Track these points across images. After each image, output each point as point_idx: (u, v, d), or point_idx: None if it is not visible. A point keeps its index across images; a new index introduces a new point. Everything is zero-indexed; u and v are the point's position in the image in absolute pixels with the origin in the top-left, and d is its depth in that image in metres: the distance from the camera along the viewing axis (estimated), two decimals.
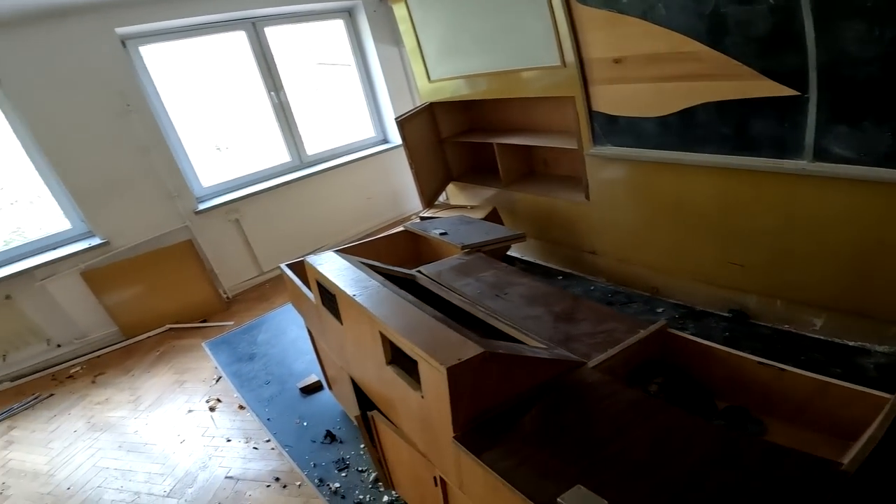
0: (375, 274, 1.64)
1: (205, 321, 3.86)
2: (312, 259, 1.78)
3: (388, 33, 4.62)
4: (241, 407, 2.80)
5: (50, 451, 2.74)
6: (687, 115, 2.14)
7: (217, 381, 3.09)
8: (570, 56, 2.48)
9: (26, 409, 3.19)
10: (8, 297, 3.39)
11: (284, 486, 2.21)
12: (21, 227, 3.71)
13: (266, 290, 4.25)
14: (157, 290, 3.81)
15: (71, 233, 3.71)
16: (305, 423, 2.55)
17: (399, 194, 5.01)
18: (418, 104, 4.62)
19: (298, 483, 2.21)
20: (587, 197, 2.83)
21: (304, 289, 2.06)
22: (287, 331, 3.46)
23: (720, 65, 1.91)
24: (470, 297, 1.80)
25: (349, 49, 4.72)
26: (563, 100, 2.74)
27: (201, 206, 3.98)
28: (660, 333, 1.56)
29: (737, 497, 0.96)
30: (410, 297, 1.45)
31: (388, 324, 1.28)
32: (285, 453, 2.39)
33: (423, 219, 3.23)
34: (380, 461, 1.82)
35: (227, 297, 4.16)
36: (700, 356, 1.50)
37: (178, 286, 3.88)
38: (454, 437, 1.17)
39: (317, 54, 4.79)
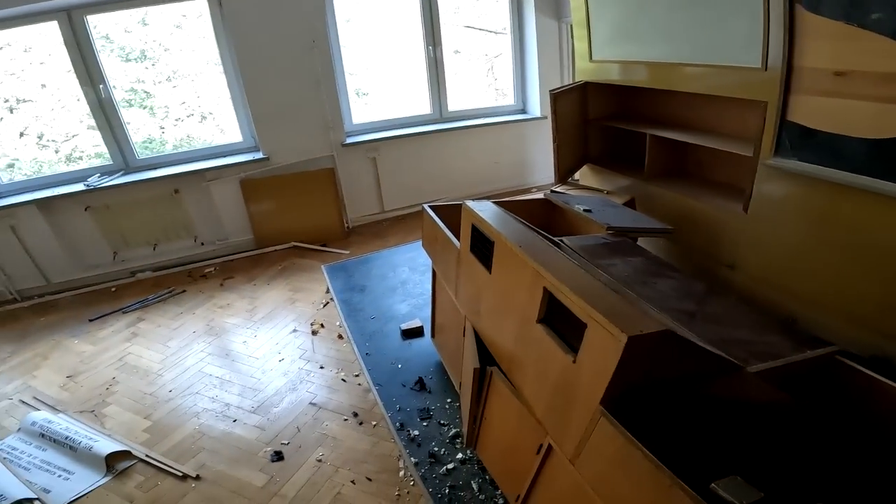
0: (535, 232, 1.64)
1: (324, 245, 4.12)
2: (472, 204, 1.80)
3: (552, 5, 4.50)
4: (340, 337, 2.90)
5: (167, 350, 2.90)
6: None
7: (324, 305, 3.24)
8: (775, 60, 2.25)
9: (159, 301, 3.48)
10: (176, 191, 3.84)
11: (360, 423, 2.23)
12: (191, 135, 4.21)
13: (383, 228, 4.44)
14: (293, 208, 4.13)
15: (241, 145, 4.12)
16: (400, 366, 2.56)
17: (525, 165, 4.98)
18: (567, 81, 4.51)
19: (374, 423, 2.23)
20: (745, 209, 2.61)
21: (447, 231, 2.10)
22: (398, 271, 3.56)
23: None
24: (616, 277, 1.76)
25: (507, 15, 4.66)
26: (746, 103, 2.51)
27: (348, 140, 4.23)
28: (826, 358, 1.43)
29: None
30: (578, 260, 1.44)
31: (560, 281, 1.27)
32: (374, 391, 2.40)
33: (554, 192, 3.18)
34: (475, 418, 1.79)
35: (348, 228, 4.42)
36: (866, 388, 1.35)
37: (311, 208, 4.18)
38: (601, 405, 1.13)
39: (466, 17, 4.80)
